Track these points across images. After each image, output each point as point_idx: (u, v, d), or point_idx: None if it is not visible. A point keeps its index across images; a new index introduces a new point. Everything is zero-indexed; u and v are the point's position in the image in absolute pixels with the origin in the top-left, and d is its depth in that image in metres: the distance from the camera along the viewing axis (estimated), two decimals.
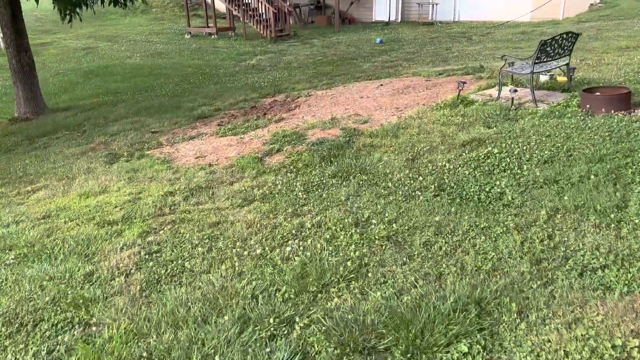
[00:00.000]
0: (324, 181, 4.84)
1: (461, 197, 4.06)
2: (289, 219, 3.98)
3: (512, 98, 6.40)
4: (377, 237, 3.49)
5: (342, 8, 22.27)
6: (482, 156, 4.89)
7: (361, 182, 4.69)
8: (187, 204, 4.68)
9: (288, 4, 21.93)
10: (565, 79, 7.32)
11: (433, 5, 20.91)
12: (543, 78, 7.44)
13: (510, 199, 3.90)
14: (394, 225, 3.66)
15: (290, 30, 18.34)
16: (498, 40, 14.81)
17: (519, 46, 12.98)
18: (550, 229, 3.39)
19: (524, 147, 4.93)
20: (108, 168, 6.44)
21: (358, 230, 3.61)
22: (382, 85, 8.58)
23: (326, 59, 13.88)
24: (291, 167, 5.40)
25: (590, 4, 19.29)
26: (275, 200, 4.49)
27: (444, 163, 4.89)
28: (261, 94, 10.07)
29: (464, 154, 5.07)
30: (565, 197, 3.76)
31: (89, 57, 16.06)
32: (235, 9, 18.13)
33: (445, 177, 4.54)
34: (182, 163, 6.20)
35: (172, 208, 4.60)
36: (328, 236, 3.57)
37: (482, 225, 3.49)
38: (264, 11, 17.58)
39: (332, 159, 5.45)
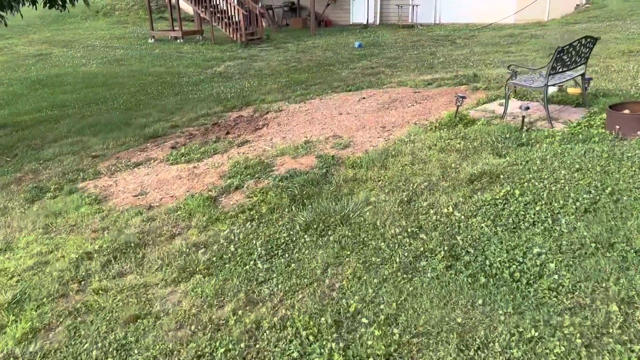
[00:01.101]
0: (294, 237, 3.63)
1: (484, 271, 2.89)
2: (239, 313, 2.76)
3: (523, 117, 5.28)
4: (370, 355, 2.29)
5: (318, 10, 21.11)
6: (500, 200, 3.74)
7: (343, 240, 3.49)
8: (105, 275, 3.42)
9: (260, 5, 20.68)
10: (577, 90, 6.25)
11: (413, 7, 19.91)
12: (551, 89, 6.36)
13: (556, 278, 2.74)
14: (395, 329, 2.46)
15: (263, 34, 17.10)
16: (485, 43, 13.82)
17: (509, 50, 11.98)
18: (636, 341, 2.23)
19: (552, 188, 3.80)
20: (27, 209, 5.13)
21: (341, 342, 2.41)
22: (364, 98, 7.41)
23: (301, 66, 12.68)
24: (252, 212, 4.18)
25: (577, 5, 18.53)
26: (225, 272, 3.26)
27: (450, 209, 3.73)
28: (226, 107, 8.83)
29: (474, 195, 3.92)
30: (638, 277, 2.62)
31: (39, 65, 14.57)
32: (202, 11, 16.82)
33: (456, 234, 3.37)
34: (117, 202, 4.93)
35: (83, 283, 3.34)
36: (295, 356, 2.35)
37: (528, 335, 2.32)
38: (234, 13, 16.31)
39: (305, 200, 4.25)
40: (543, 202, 3.59)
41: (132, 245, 3.84)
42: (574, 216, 3.36)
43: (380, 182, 4.48)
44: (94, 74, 12.97)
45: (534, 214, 3.46)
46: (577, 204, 3.49)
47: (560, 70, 5.36)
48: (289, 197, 4.32)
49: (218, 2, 16.57)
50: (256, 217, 4.07)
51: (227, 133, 7.05)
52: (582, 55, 5.55)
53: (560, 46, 5.10)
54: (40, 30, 20.65)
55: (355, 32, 18.98)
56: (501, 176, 4.17)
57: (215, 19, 16.54)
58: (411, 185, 4.31)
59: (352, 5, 21.43)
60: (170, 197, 4.79)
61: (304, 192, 4.36)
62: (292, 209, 4.13)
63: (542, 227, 3.28)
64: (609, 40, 11.40)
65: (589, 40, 5.48)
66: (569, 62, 5.38)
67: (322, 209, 3.98)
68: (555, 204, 3.55)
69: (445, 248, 3.19)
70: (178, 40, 17.38)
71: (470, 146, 4.96)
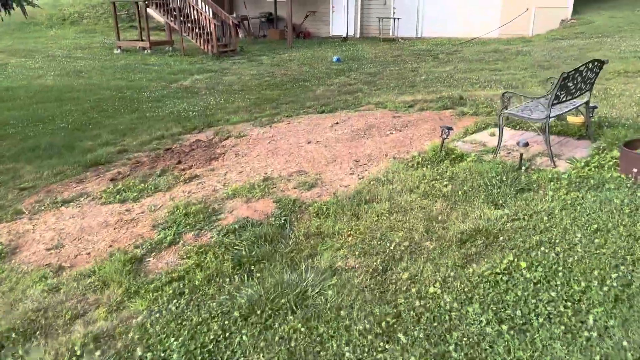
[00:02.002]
0: (228, 332, 2.70)
1: None
2: None
3: (521, 155, 4.44)
4: None
5: (296, 21, 20.32)
6: (502, 276, 2.87)
7: (294, 339, 2.57)
8: None
9: (235, 15, 19.81)
10: (579, 119, 5.46)
11: (395, 20, 19.24)
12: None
13: None
14: None
15: (236, 46, 16.20)
16: (469, 59, 13.11)
17: (495, 67, 11.26)
18: None
19: (568, 259, 2.94)
20: None
21: None
22: (337, 123, 6.53)
23: (274, 81, 11.80)
24: (183, 282, 3.23)
25: (562, 20, 18.03)
26: None
27: (437, 289, 2.84)
28: (185, 128, 7.89)
29: (467, 265, 3.04)
30: None
31: None
32: (172, 21, 15.86)
33: (447, 333, 2.47)
34: (25, 258, 3.94)
35: None
36: None
37: None
38: (205, 24, 15.38)
39: (252, 266, 3.32)
40: (559, 283, 2.72)
41: (16, 334, 2.86)
42: (602, 308, 2.49)
43: (350, 238, 3.58)
44: (49, 88, 11.89)
45: (549, 302, 2.58)
46: (605, 288, 2.63)
47: (564, 99, 4.55)
48: (234, 260, 3.39)
49: (189, 12, 15.63)
50: (187, 290, 3.13)
51: (179, 162, 6.11)
52: (588, 81, 4.75)
53: (566, 72, 4.28)
54: (2, 38, 19.45)
55: (335, 45, 18.21)
56: (500, 237, 3.30)
57: (185, 29, 15.59)
58: (388, 244, 3.41)
59: (331, 17, 20.70)
60: (88, 253, 3.82)
61: (253, 253, 3.44)
62: (234, 279, 3.20)
63: (562, 327, 2.40)
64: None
65: (595, 64, 4.68)
66: (573, 90, 4.58)
67: (273, 281, 3.05)
68: (575, 286, 2.68)
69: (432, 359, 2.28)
70: (145, 51, 16.38)
71: (459, 191, 4.09)
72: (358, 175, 4.78)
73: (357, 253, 3.38)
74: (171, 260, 3.55)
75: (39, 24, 20.66)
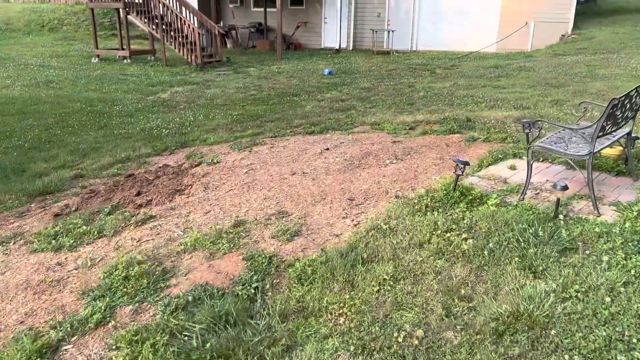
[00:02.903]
0: None
1: None
2: None
3: (558, 201, 3.53)
4: None
5: (287, 32, 19.49)
6: None
7: None
8: None
9: (222, 25, 18.95)
10: (615, 151, 4.58)
11: (389, 32, 18.47)
12: (582, 151, 4.66)
13: None
14: None
15: (222, 56, 15.28)
16: (469, 75, 12.30)
17: (499, 84, 10.44)
18: None
19: None
20: None
21: None
22: (327, 149, 5.58)
23: (260, 95, 10.88)
24: None
25: (562, 35, 17.37)
26: None
27: None
28: (156, 148, 6.93)
29: None
30: None
31: None
32: (154, 29, 14.92)
33: None
34: None
35: None
36: None
37: None
38: (189, 32, 14.47)
39: None
40: None
41: None
42: None
43: (342, 319, 2.63)
44: (13, 99, 10.86)
45: None
46: None
47: (610, 130, 3.66)
48: (179, 356, 2.42)
49: (172, 19, 14.72)
50: None
51: (138, 193, 5.13)
52: (635, 108, 3.87)
53: (616, 97, 3.39)
54: None
55: (326, 57, 17.36)
56: (551, 328, 2.37)
57: (168, 38, 14.66)
58: (395, 334, 2.47)
59: (323, 28, 19.90)
60: None
61: (208, 346, 2.47)
62: None
63: None
64: (610, 76, 9.98)
65: None
66: (620, 119, 3.69)
67: None
68: None
69: None
70: (125, 61, 15.41)
71: (483, 249, 3.17)
72: (352, 219, 3.84)
73: (352, 346, 2.43)
74: (95, 350, 2.57)
75: (15, 30, 19.65)
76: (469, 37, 18.24)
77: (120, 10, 15.21)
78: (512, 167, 4.62)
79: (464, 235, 3.36)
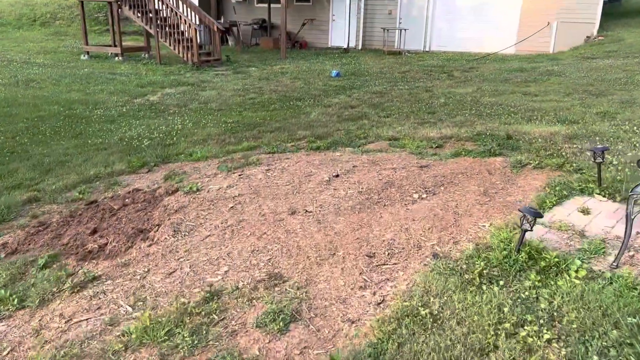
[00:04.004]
0: None
1: None
2: None
3: None
4: None
5: (292, 29, 18.34)
6: None
7: None
8: None
9: (222, 21, 17.81)
10: None
11: (401, 31, 17.28)
12: None
13: None
14: None
15: (221, 55, 14.14)
16: (491, 79, 11.12)
17: (528, 91, 9.25)
18: None
19: None
20: None
21: None
22: (337, 175, 4.41)
23: (260, 98, 9.74)
24: None
25: (587, 37, 16.13)
26: None
27: None
28: (131, 165, 5.81)
29: None
30: None
31: None
32: (148, 24, 13.79)
33: None
34: None
35: None
36: None
37: None
38: (185, 29, 13.35)
39: None
40: None
41: None
42: None
43: None
44: None
45: None
46: None
47: None
48: None
49: (167, 15, 13.59)
50: None
51: (94, 231, 4.00)
52: None
53: None
54: None
55: (334, 57, 16.20)
56: None
57: (162, 34, 13.52)
58: None
59: (331, 26, 18.73)
60: None
61: None
62: None
63: None
64: None
65: None
66: None
67: None
68: None
69: None
70: (117, 58, 14.30)
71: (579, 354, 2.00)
72: (374, 291, 2.68)
73: None
74: None
75: (5, 24, 18.57)
76: (487, 38, 17.06)
77: (113, 3, 14.09)
78: (585, 211, 3.45)
79: (547, 335, 2.20)
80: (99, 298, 2.81)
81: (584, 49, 15.12)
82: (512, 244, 2.89)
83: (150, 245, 3.34)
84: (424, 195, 3.84)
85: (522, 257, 2.78)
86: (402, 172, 4.38)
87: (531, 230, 2.76)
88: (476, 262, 2.79)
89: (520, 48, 16.68)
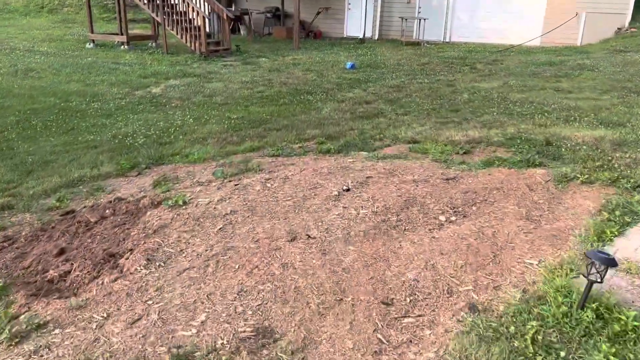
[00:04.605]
0: None
1: None
2: None
3: None
4: None
5: (306, 18, 17.61)
6: None
7: None
8: None
9: (233, 8, 17.14)
10: None
11: (420, 21, 16.45)
12: None
13: None
14: None
15: (231, 44, 13.49)
16: (518, 73, 10.32)
17: (560, 86, 8.48)
18: None
19: None
20: None
21: None
22: (348, 189, 3.74)
23: (269, 92, 9.08)
24: None
25: (618, 29, 15.17)
26: None
27: None
28: (121, 166, 5.22)
29: None
30: None
31: None
32: (155, 11, 13.18)
33: None
34: None
35: None
36: None
37: None
38: (194, 17, 12.71)
39: None
40: None
41: None
42: None
43: None
44: None
45: None
46: None
47: None
48: None
49: (175, 1, 12.95)
50: None
51: (61, 252, 3.42)
52: None
53: None
54: None
55: (349, 47, 15.44)
56: None
57: (169, 22, 12.90)
58: None
59: (347, 15, 17.95)
60: None
61: None
62: None
63: None
64: None
65: None
66: None
67: None
68: None
69: None
70: (123, 47, 13.73)
71: None
72: None
73: None
74: None
75: (13, 11, 18.11)
76: (510, 29, 16.15)
77: None
78: None
79: None
80: (40, 355, 2.20)
81: (615, 42, 14.18)
82: (573, 295, 2.22)
83: (116, 279, 2.72)
84: (453, 218, 3.17)
85: (587, 316, 2.11)
86: (425, 185, 3.71)
87: (601, 282, 2.08)
88: (527, 322, 2.12)
89: (546, 40, 15.77)
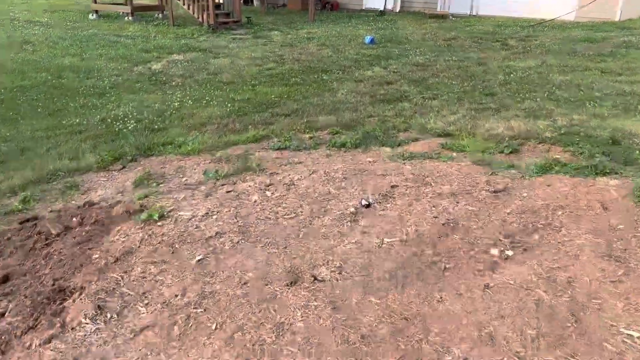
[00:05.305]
0: None
1: None
2: None
3: None
4: None
5: None
6: None
7: None
8: None
9: None
10: None
11: None
12: None
13: None
14: None
15: (241, 16, 12.58)
16: (555, 51, 9.30)
17: (606, 67, 7.50)
18: None
19: None
20: None
21: None
22: (369, 205, 2.93)
23: (280, 69, 8.23)
24: None
25: None
26: None
27: None
28: (104, 157, 4.49)
29: None
30: None
31: None
32: None
33: None
34: None
35: None
36: None
37: None
38: None
39: None
40: None
41: None
42: None
43: None
44: None
45: None
46: None
47: None
48: None
49: None
50: None
51: (4, 280, 2.70)
52: None
53: None
54: None
55: (369, 20, 14.42)
56: None
57: None
58: None
59: None
60: None
61: None
62: None
63: None
64: None
65: None
66: None
67: None
68: None
69: None
70: (127, 18, 12.90)
71: None
72: None
73: None
74: None
75: None
76: (542, 2, 14.96)
77: None
78: None
79: None
80: None
81: None
82: None
83: (50, 340, 1.98)
84: (510, 253, 2.36)
85: None
86: (468, 201, 2.89)
87: None
88: None
89: (582, 15, 14.54)
